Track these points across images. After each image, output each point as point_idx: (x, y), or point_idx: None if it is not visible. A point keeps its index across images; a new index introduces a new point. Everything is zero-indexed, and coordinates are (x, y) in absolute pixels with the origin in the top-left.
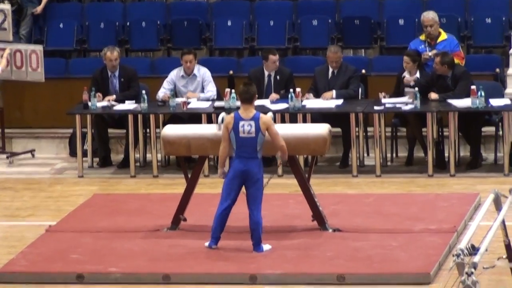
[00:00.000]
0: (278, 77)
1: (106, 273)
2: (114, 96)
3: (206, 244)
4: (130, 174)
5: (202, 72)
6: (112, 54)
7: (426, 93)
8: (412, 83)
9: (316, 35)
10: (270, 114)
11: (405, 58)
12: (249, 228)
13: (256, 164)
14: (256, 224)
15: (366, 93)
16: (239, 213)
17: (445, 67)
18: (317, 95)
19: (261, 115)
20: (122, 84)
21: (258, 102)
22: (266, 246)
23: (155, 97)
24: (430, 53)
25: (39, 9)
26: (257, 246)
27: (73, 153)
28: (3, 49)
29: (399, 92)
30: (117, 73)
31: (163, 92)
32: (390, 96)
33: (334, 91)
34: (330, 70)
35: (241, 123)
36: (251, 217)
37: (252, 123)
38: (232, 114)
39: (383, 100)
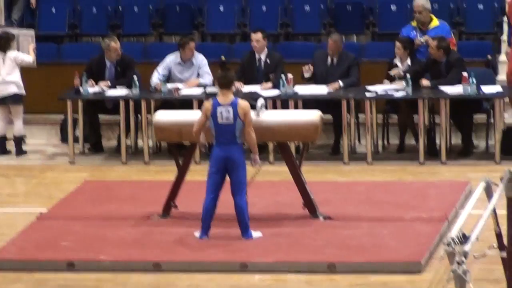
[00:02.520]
0: (268, 61)
1: (97, 260)
2: (108, 82)
3: (197, 234)
4: (121, 161)
5: (200, 59)
6: (116, 43)
7: (420, 79)
8: (400, 74)
9: (308, 20)
10: (261, 100)
11: (397, 44)
12: (236, 215)
13: (237, 149)
14: (241, 210)
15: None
16: (231, 201)
17: (441, 51)
18: (314, 78)
19: (239, 100)
20: (119, 72)
21: (250, 87)
22: (256, 233)
23: (147, 82)
24: (422, 39)
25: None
26: (245, 232)
27: (64, 139)
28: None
29: (390, 78)
30: (115, 62)
31: (157, 78)
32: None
33: (340, 82)
34: (329, 57)
35: (219, 109)
36: (236, 203)
37: (230, 109)
38: (211, 100)
39: (373, 88)
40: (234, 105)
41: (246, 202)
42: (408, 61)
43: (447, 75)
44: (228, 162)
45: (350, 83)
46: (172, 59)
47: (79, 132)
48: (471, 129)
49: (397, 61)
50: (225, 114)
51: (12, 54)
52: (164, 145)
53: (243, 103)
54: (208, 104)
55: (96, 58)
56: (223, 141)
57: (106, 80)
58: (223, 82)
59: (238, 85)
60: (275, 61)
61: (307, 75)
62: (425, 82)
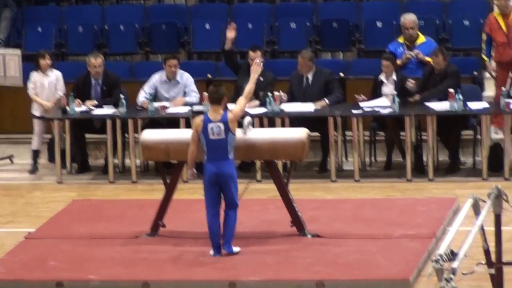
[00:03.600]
0: (261, 79)
1: (86, 280)
2: (95, 102)
3: (211, 252)
4: (109, 180)
5: (185, 78)
6: (95, 60)
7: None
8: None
9: (294, 38)
10: (248, 119)
11: (385, 62)
12: (223, 227)
13: (228, 165)
14: (231, 222)
15: (344, 97)
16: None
17: (447, 62)
18: (293, 99)
19: (229, 113)
20: (104, 91)
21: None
22: (236, 248)
23: (134, 101)
24: (412, 53)
25: None
26: (227, 245)
27: (51, 158)
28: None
29: (376, 95)
30: (100, 80)
31: (143, 96)
32: (368, 100)
33: (326, 99)
34: (304, 76)
35: (210, 125)
36: (226, 215)
37: (221, 124)
38: (202, 116)
39: (361, 104)
40: (224, 121)
41: (236, 216)
42: (394, 77)
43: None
44: (220, 178)
45: (336, 100)
46: (157, 77)
47: (66, 152)
48: (458, 146)
49: (382, 78)
50: (216, 130)
51: (54, 73)
52: (152, 164)
53: (231, 115)
54: (198, 120)
55: (82, 77)
56: (215, 157)
57: (93, 98)
58: (214, 97)
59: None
60: (268, 80)
61: (283, 101)
62: (417, 97)
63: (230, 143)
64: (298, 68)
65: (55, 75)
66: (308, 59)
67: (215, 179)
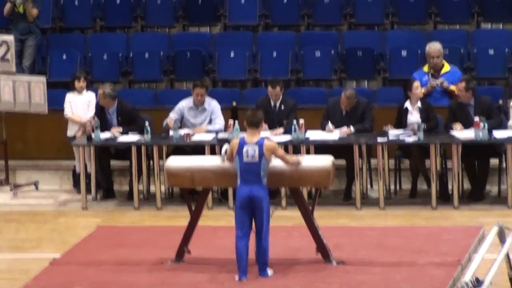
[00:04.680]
0: (282, 107)
1: None
2: (120, 128)
3: (236, 278)
4: (134, 206)
5: (213, 105)
6: (102, 90)
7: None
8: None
9: (319, 66)
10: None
11: (416, 84)
12: (255, 253)
13: (261, 189)
14: (264, 250)
15: (372, 128)
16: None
17: (470, 93)
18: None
19: (266, 140)
20: (119, 121)
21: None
22: (269, 271)
23: (158, 129)
24: (438, 81)
25: None
26: (262, 271)
27: (76, 184)
28: None
29: (401, 124)
30: (113, 110)
31: (169, 117)
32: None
33: (352, 127)
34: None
35: (245, 147)
36: (259, 243)
37: (256, 148)
38: (238, 139)
39: (389, 132)
40: (260, 144)
41: (268, 243)
42: (419, 104)
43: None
44: (252, 202)
45: (362, 129)
46: (185, 104)
47: (92, 178)
48: (486, 174)
49: (407, 105)
50: (251, 152)
51: (89, 94)
52: (177, 190)
53: (269, 143)
54: (235, 141)
55: (99, 106)
56: (248, 180)
57: (108, 127)
58: (252, 121)
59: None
60: (289, 107)
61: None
62: (459, 126)
63: (264, 168)
64: (341, 105)
65: (89, 95)
66: (353, 98)
67: (247, 202)
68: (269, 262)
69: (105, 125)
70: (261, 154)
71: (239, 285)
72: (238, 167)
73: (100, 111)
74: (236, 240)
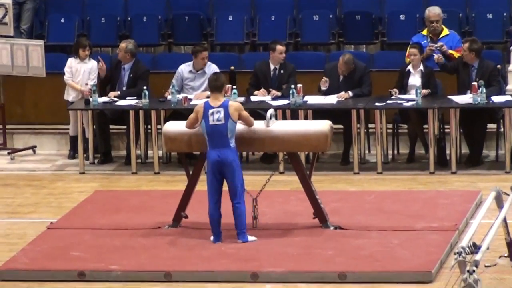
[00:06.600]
0: (282, 71)
1: (107, 270)
2: (118, 92)
3: (211, 238)
4: (131, 171)
5: (212, 69)
6: (124, 44)
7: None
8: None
9: (317, 30)
10: (271, 111)
11: (413, 50)
12: (234, 218)
13: (230, 152)
14: (239, 213)
15: (370, 93)
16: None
17: (472, 54)
18: (327, 91)
19: (230, 102)
20: (131, 79)
21: (260, 98)
22: (251, 237)
23: (157, 93)
24: (436, 45)
25: None
26: (241, 235)
27: (71, 149)
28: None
29: (402, 87)
30: (129, 66)
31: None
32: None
33: (350, 92)
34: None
35: (210, 111)
36: (234, 207)
37: (221, 110)
38: (202, 104)
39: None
40: (225, 106)
41: (244, 206)
42: (421, 67)
43: (477, 80)
44: (223, 166)
45: (360, 94)
46: (183, 68)
47: (89, 142)
48: (483, 139)
49: (410, 68)
50: (216, 115)
51: (91, 62)
52: (174, 155)
53: (234, 104)
54: (199, 106)
55: (114, 63)
56: (216, 144)
57: (118, 86)
58: (214, 85)
59: (261, 92)
60: (289, 72)
61: (324, 88)
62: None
63: (231, 129)
64: (338, 69)
65: (92, 63)
66: (350, 63)
67: (217, 167)
68: (267, 226)
69: (116, 80)
70: (227, 115)
71: (235, 250)
72: (205, 131)
73: (116, 65)
74: (208, 205)
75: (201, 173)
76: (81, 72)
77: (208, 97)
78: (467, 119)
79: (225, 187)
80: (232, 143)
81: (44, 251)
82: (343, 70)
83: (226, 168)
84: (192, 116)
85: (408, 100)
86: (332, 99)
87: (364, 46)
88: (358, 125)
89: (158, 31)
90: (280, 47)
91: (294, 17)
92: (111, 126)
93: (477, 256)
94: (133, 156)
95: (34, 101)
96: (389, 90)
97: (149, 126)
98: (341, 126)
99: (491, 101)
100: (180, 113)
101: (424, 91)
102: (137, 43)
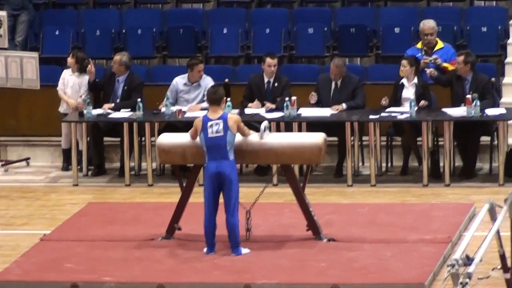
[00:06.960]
0: (276, 84)
1: (101, 282)
2: (112, 105)
3: (204, 250)
4: (125, 183)
5: (207, 82)
6: (118, 56)
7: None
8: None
9: (312, 43)
10: (265, 123)
11: (403, 61)
12: (227, 231)
13: (228, 165)
14: (232, 226)
15: (364, 105)
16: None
17: (467, 67)
18: (319, 103)
19: (229, 114)
20: (125, 91)
21: (254, 110)
22: (245, 250)
23: (151, 105)
24: (431, 58)
25: None
26: (235, 248)
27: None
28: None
29: (396, 101)
30: (123, 79)
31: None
32: (388, 105)
33: (344, 104)
34: (333, 81)
35: (209, 123)
36: (227, 220)
37: (220, 122)
38: (201, 117)
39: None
40: (224, 118)
41: (237, 219)
42: (415, 80)
43: (471, 93)
44: (220, 179)
45: (354, 106)
46: (177, 80)
47: (83, 155)
48: (477, 151)
49: (404, 81)
50: (215, 127)
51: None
52: (168, 167)
53: (233, 116)
54: (198, 120)
55: (108, 75)
56: (215, 156)
57: (113, 97)
58: (213, 98)
59: (255, 104)
60: (283, 84)
61: (312, 102)
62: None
63: (230, 141)
64: (331, 75)
65: (83, 78)
66: (342, 66)
67: (215, 179)
68: (260, 239)
69: (109, 95)
70: (226, 128)
71: (229, 262)
72: (204, 144)
73: (109, 77)
74: (204, 216)
75: (195, 185)
76: (70, 85)
77: (202, 109)
78: (460, 132)
79: (221, 199)
80: (231, 156)
81: (37, 263)
82: (335, 75)
83: (223, 180)
84: (192, 130)
85: (402, 113)
86: (326, 111)
87: (358, 59)
88: (352, 138)
89: (152, 43)
90: (269, 60)
91: (289, 30)
92: (105, 138)
93: (470, 269)
94: (127, 168)
95: (28, 113)
96: (382, 100)
97: (143, 138)
98: (335, 139)
99: (485, 114)
100: (174, 125)
101: (423, 102)
102: (131, 56)
